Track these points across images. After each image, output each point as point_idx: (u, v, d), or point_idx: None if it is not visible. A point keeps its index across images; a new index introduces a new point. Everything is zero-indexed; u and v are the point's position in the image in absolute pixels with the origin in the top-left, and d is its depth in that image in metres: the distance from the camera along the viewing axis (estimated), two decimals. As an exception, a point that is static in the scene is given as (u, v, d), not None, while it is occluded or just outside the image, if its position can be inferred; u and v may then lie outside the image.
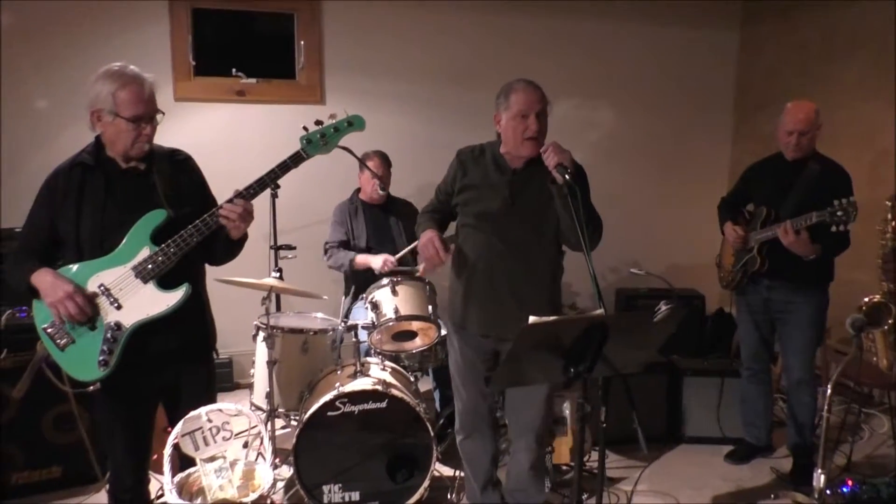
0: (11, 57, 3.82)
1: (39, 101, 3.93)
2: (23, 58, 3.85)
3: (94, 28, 3.94)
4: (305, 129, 2.14)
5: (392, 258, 3.48)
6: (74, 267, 2.05)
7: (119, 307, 2.05)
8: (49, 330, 2.06)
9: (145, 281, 2.05)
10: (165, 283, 2.07)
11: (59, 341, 2.06)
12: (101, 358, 2.03)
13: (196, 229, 2.05)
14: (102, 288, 2.05)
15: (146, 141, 2.07)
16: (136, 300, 2.05)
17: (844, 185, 2.93)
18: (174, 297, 2.07)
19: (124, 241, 2.05)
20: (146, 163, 2.13)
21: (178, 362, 2.21)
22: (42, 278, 2.01)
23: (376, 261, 3.52)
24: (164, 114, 2.12)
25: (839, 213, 2.73)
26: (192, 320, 2.19)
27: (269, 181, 2.12)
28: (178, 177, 2.18)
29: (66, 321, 2.03)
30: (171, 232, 2.06)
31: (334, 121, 2.13)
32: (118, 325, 2.05)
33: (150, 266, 2.04)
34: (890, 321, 2.76)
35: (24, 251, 2.12)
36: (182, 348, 2.19)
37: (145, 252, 2.05)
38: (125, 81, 2.02)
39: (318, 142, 2.13)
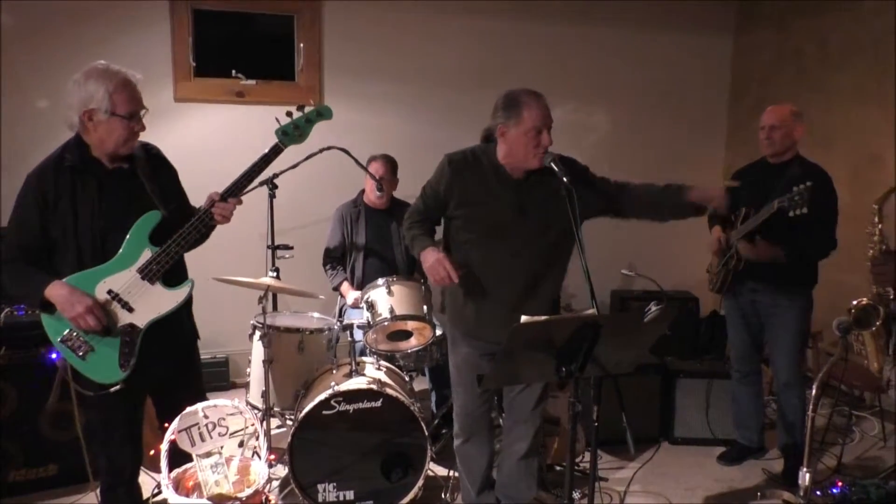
0: (12, 57, 3.84)
1: (40, 101, 3.95)
2: (23, 58, 3.87)
3: (95, 28, 3.96)
4: (278, 120, 2.24)
5: (361, 301, 3.44)
6: (78, 276, 2.07)
7: (131, 310, 2.11)
8: (68, 342, 2.09)
9: (152, 281, 2.11)
10: (167, 281, 2.14)
11: (78, 352, 2.10)
12: (121, 360, 2.10)
13: (194, 227, 2.11)
14: (112, 293, 2.09)
15: (138, 136, 2.13)
16: (146, 301, 2.11)
17: (825, 187, 2.96)
18: (182, 292, 2.17)
19: (124, 245, 2.09)
20: (128, 162, 2.17)
21: (173, 356, 2.27)
22: (57, 292, 2.02)
23: (350, 296, 3.60)
24: (147, 109, 2.15)
25: (796, 198, 2.77)
26: (183, 314, 2.27)
27: (254, 174, 2.21)
28: (159, 173, 2.24)
29: (84, 332, 2.07)
30: (164, 230, 2.11)
31: (304, 112, 2.26)
32: (132, 327, 2.11)
33: (155, 267, 2.10)
34: (878, 323, 2.79)
35: (20, 260, 2.08)
36: (176, 342, 2.26)
37: (147, 254, 2.11)
38: (120, 81, 2.07)
39: (293, 133, 2.25)
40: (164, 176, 2.26)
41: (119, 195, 2.12)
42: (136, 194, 2.14)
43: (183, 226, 2.13)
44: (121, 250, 2.09)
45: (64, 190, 2.06)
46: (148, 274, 2.10)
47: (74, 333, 2.08)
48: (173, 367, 2.30)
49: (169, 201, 2.19)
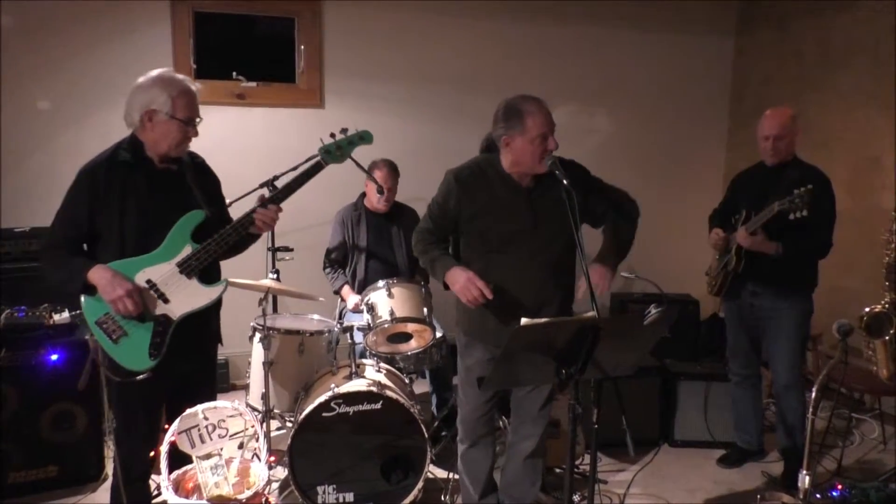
0: (13, 58, 3.84)
1: (40, 101, 3.95)
2: (24, 59, 3.87)
3: (96, 30, 3.97)
4: (322, 140, 2.34)
5: (361, 305, 3.38)
6: (120, 263, 2.15)
7: (166, 301, 2.19)
8: (103, 325, 2.16)
9: (189, 276, 2.20)
10: (203, 278, 2.23)
11: (112, 335, 2.17)
12: (152, 349, 2.17)
13: (234, 229, 2.22)
14: (150, 283, 2.18)
15: (190, 141, 2.25)
16: (182, 294, 2.20)
17: (822, 189, 2.96)
18: (216, 290, 2.26)
19: (167, 239, 2.19)
20: (176, 165, 2.29)
21: (196, 355, 2.36)
22: (100, 275, 2.11)
23: (351, 300, 3.59)
24: (202, 119, 2.28)
25: (796, 201, 2.79)
26: (212, 315, 2.36)
27: (295, 187, 2.33)
28: (203, 178, 2.37)
29: (122, 316, 2.15)
30: (205, 230, 2.22)
31: (346, 135, 2.35)
32: (166, 318, 2.19)
33: (194, 262, 2.19)
34: (892, 332, 2.77)
35: (62, 246, 2.19)
36: (201, 342, 2.36)
37: (188, 249, 2.20)
38: (183, 89, 2.22)
39: (335, 152, 2.34)
40: (207, 182, 2.39)
41: (166, 193, 2.24)
42: (182, 195, 2.26)
43: (222, 229, 2.24)
44: (163, 243, 2.19)
45: (115, 184, 2.16)
46: (186, 268, 2.19)
47: (111, 317, 2.15)
48: (194, 366, 2.37)
49: (211, 205, 2.30)
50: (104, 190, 2.15)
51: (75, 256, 2.18)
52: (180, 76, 2.24)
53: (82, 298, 2.18)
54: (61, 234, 2.19)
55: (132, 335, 2.17)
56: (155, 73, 2.23)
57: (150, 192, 2.20)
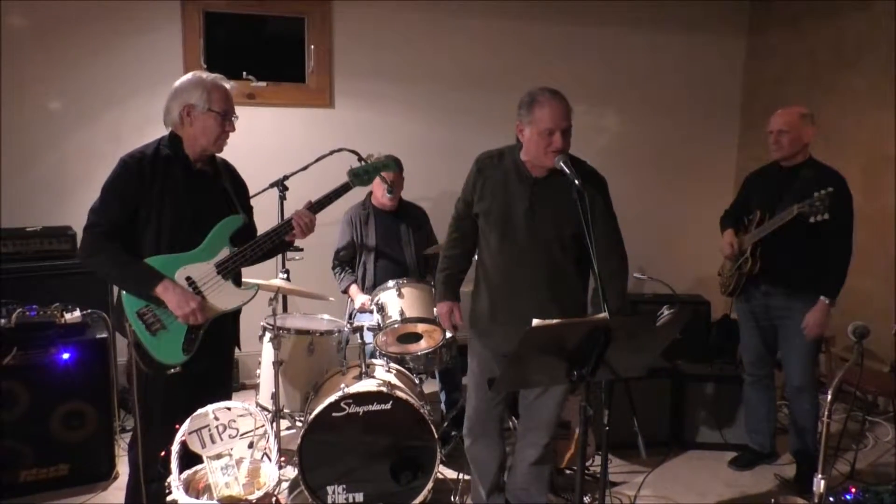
0: (24, 58, 3.86)
1: (52, 102, 3.97)
2: (35, 59, 3.89)
3: (107, 30, 3.98)
4: (352, 165, 2.55)
5: (369, 305, 3.43)
6: (162, 259, 2.21)
7: (203, 299, 2.24)
8: (144, 316, 2.21)
9: (226, 278, 2.28)
10: (236, 280, 2.33)
11: (151, 327, 2.22)
12: (185, 345, 2.23)
13: (268, 237, 2.32)
14: (190, 280, 2.24)
15: (227, 137, 2.31)
16: (217, 294, 2.27)
17: (841, 191, 2.92)
18: (248, 293, 2.37)
19: (207, 239, 2.26)
20: (211, 167, 2.35)
21: (216, 356, 2.40)
22: (171, 292, 2.18)
23: (358, 300, 3.59)
24: (238, 116, 2.34)
25: (817, 204, 2.76)
26: (230, 318, 2.43)
27: (323, 206, 2.46)
28: (236, 183, 2.44)
29: (164, 311, 2.21)
30: (239, 234, 2.32)
31: (372, 160, 2.56)
32: None
33: (231, 265, 2.28)
34: None
35: (110, 235, 2.19)
36: (222, 342, 2.42)
37: (226, 252, 2.28)
38: (216, 84, 2.30)
39: (363, 176, 2.53)
40: (240, 189, 2.47)
41: (201, 192, 2.30)
42: (216, 196, 2.34)
43: (252, 235, 2.36)
44: (203, 243, 2.26)
45: (157, 177, 2.23)
46: (223, 270, 2.28)
47: (151, 310, 2.21)
48: (212, 367, 2.40)
49: (243, 209, 2.38)
50: (150, 180, 2.21)
51: (136, 260, 2.20)
52: (213, 74, 2.33)
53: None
54: (107, 221, 2.19)
55: (170, 329, 2.22)
56: (189, 74, 2.32)
57: (186, 190, 2.26)
